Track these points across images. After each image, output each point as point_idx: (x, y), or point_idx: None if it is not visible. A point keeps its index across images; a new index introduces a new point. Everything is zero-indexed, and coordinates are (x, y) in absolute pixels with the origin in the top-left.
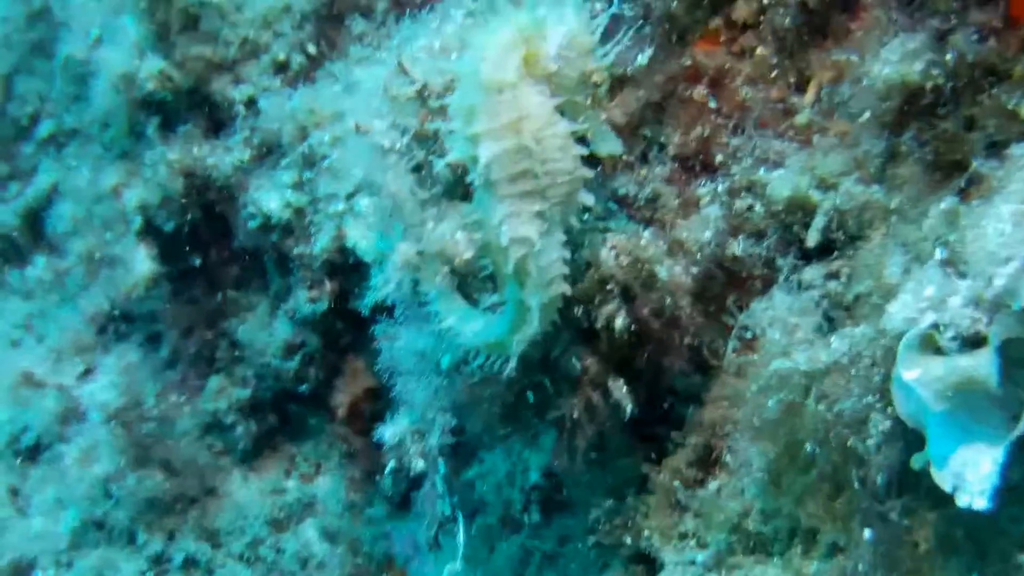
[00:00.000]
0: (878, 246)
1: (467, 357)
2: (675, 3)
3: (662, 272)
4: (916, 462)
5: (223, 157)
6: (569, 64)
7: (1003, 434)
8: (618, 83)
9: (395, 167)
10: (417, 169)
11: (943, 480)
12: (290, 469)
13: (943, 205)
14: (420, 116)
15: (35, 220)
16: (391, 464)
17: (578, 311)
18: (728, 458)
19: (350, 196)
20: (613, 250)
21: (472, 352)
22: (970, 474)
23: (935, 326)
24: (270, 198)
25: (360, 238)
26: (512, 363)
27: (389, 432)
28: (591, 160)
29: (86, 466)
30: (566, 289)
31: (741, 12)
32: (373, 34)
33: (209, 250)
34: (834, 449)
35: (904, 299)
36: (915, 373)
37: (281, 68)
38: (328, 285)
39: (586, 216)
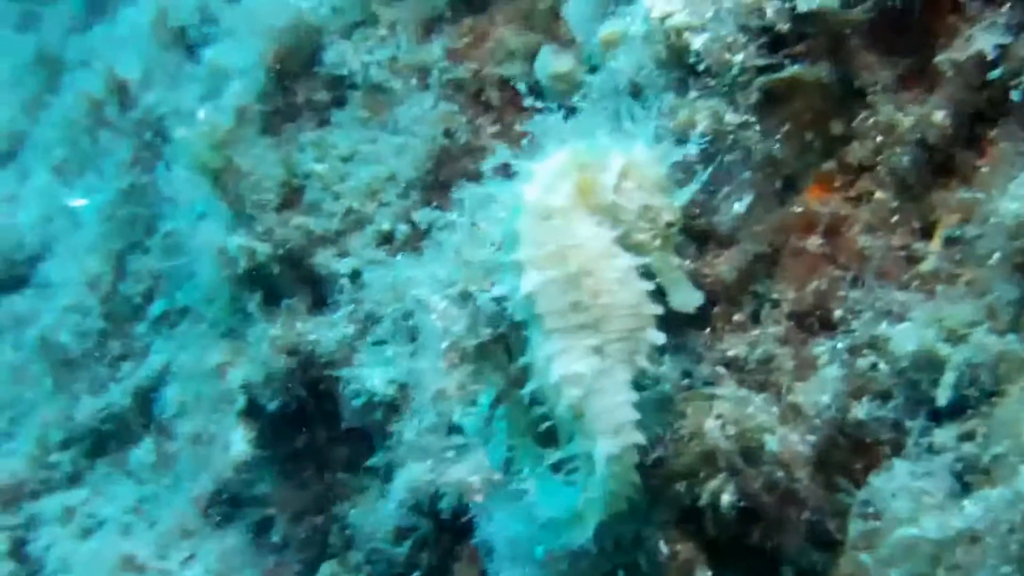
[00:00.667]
0: (1017, 401)
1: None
2: (777, 146)
3: (772, 443)
4: None
5: (326, 332)
6: (629, 196)
7: None
8: (714, 234)
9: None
10: None
11: None
12: None
13: None
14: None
15: (145, 401)
16: None
17: (681, 487)
18: None
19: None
20: (719, 419)
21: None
22: None
23: None
24: (373, 375)
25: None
26: (588, 531)
27: None
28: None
29: None
30: (639, 438)
31: (856, 154)
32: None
33: (316, 430)
34: None
35: None
36: None
37: (386, 239)
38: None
39: (686, 382)
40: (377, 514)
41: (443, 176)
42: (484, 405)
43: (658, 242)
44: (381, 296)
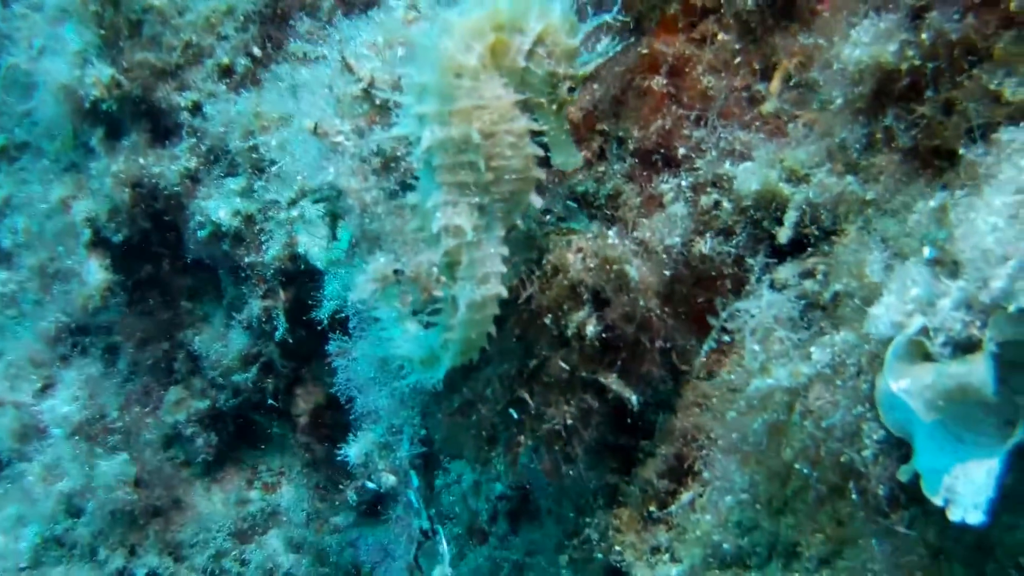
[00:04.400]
0: (855, 241)
1: (399, 371)
2: None
3: (633, 272)
4: (903, 474)
5: (169, 166)
6: (540, 62)
7: (997, 442)
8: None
9: (356, 170)
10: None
11: (935, 495)
12: (252, 479)
13: (931, 202)
14: (368, 117)
15: None
16: (360, 483)
17: (548, 320)
18: (704, 471)
19: (294, 201)
20: (580, 253)
21: (406, 366)
22: (963, 487)
23: (924, 330)
24: (218, 206)
25: (311, 245)
26: (440, 373)
27: (354, 451)
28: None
29: (50, 483)
30: (502, 290)
31: None
32: (319, 33)
33: (161, 261)
34: (827, 467)
35: (888, 301)
36: (904, 383)
37: (226, 72)
38: (282, 294)
39: (547, 217)
40: (222, 341)
41: (280, 8)
42: (344, 240)
43: (555, 107)
44: (225, 129)
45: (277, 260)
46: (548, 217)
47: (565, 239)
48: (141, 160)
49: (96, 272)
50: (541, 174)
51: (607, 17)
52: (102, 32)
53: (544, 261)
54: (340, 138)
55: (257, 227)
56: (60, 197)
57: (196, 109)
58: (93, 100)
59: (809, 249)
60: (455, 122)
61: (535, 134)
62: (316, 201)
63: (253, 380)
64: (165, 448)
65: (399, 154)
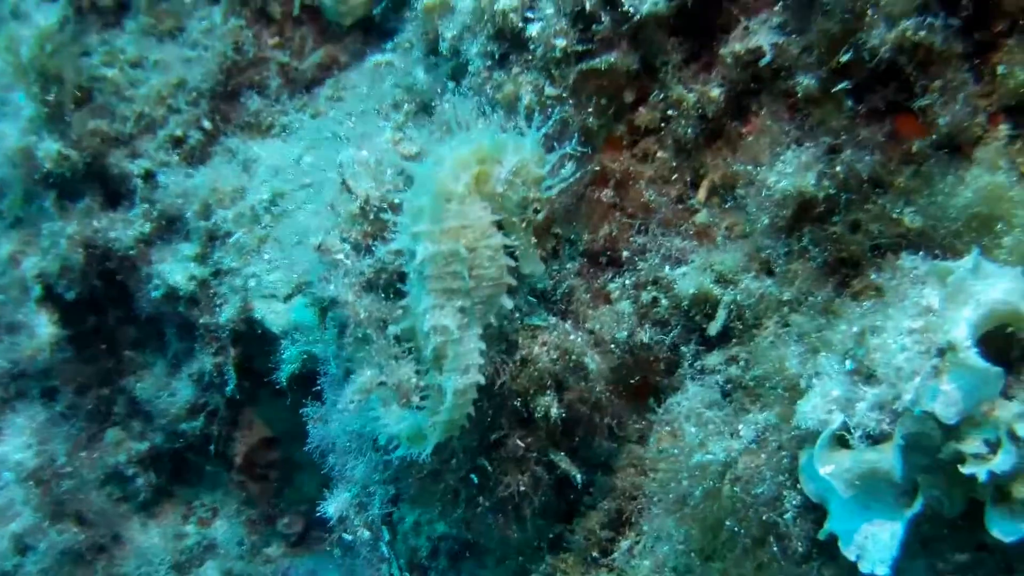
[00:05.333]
0: (772, 334)
1: (389, 446)
2: (591, 118)
3: (591, 363)
4: (822, 534)
5: (124, 230)
6: (514, 189)
7: (898, 510)
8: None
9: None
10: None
11: (848, 551)
12: (188, 515)
13: (854, 328)
14: (363, 232)
15: None
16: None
17: (518, 403)
18: (642, 523)
19: (290, 296)
20: (544, 346)
21: (394, 441)
22: (872, 545)
23: (845, 426)
24: (174, 270)
25: (268, 311)
26: (428, 449)
27: (333, 507)
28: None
29: (1, 524)
30: (481, 379)
31: (644, 119)
32: (267, 110)
33: (108, 313)
34: (753, 525)
35: (815, 401)
36: (829, 468)
37: (178, 143)
38: (232, 351)
39: (517, 316)
40: (168, 391)
41: (231, 86)
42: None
43: (524, 224)
44: (182, 200)
45: (231, 322)
46: (516, 315)
47: (531, 333)
48: (95, 223)
49: (46, 326)
50: (512, 281)
51: (568, 149)
52: (46, 110)
53: (515, 353)
54: (341, 256)
55: (211, 290)
56: (9, 252)
57: (149, 177)
58: (45, 170)
59: (733, 340)
60: (445, 239)
61: (506, 247)
62: (310, 302)
63: (200, 428)
64: (103, 485)
65: (389, 268)
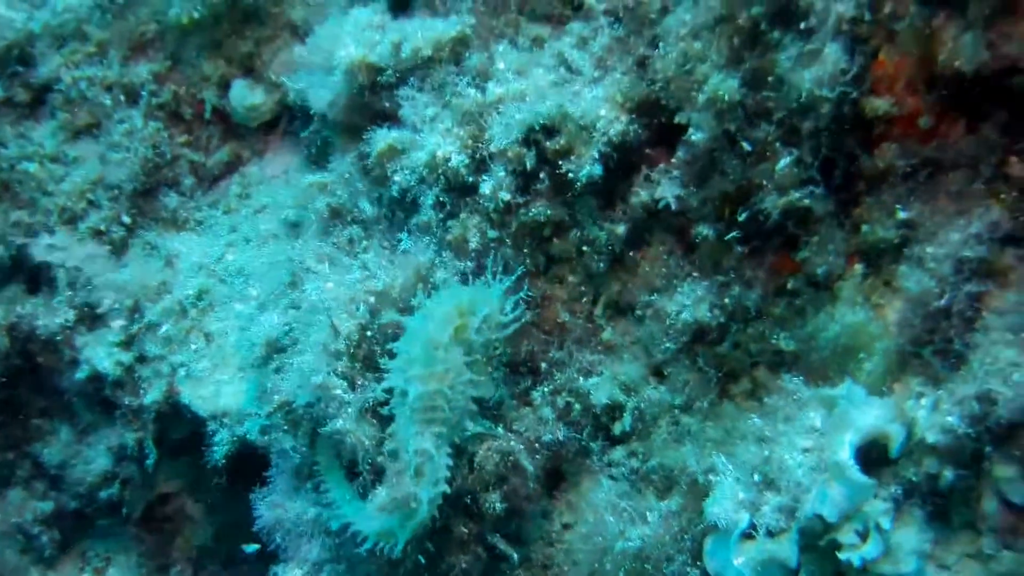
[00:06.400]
0: (665, 432)
1: (356, 541)
2: (526, 259)
3: (528, 464)
4: None
5: (51, 318)
6: (482, 333)
7: None
8: None
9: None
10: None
11: None
12: (83, 566)
13: (765, 452)
14: (352, 369)
15: None
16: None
17: (468, 500)
18: None
19: (272, 412)
20: (489, 451)
21: (362, 538)
22: None
23: (751, 524)
24: (100, 355)
25: (195, 398)
26: (399, 546)
27: None
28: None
29: None
30: (447, 489)
31: (558, 248)
32: (183, 207)
33: (20, 387)
34: None
35: (725, 504)
36: (741, 559)
37: (99, 235)
38: (151, 427)
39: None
40: (81, 459)
41: (148, 185)
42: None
43: (485, 359)
44: (110, 293)
45: (156, 404)
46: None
47: (480, 441)
48: (19, 308)
49: None
50: (475, 408)
51: (522, 295)
52: None
53: (463, 457)
54: (339, 391)
55: (136, 374)
56: None
57: (74, 268)
58: None
59: (633, 437)
60: (432, 381)
61: (471, 381)
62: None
63: (116, 495)
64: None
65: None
